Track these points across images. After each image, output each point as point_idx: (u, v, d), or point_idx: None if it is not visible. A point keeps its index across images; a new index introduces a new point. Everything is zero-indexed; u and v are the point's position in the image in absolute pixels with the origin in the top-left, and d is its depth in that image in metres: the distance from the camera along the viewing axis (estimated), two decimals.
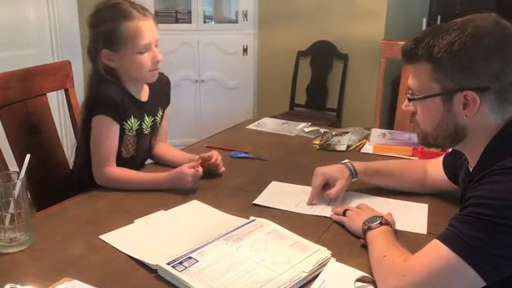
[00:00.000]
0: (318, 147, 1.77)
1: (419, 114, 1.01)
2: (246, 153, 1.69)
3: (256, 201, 1.31)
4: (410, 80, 1.01)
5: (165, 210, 1.25)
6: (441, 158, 1.33)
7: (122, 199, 1.32)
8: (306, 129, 1.96)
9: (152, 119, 1.52)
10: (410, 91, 1.01)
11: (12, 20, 2.82)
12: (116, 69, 1.41)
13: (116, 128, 1.39)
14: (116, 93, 1.38)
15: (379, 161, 1.47)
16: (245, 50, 3.79)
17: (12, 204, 1.02)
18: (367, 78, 3.45)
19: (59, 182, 1.57)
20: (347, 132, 1.86)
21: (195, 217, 1.23)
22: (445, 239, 0.86)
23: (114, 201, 1.31)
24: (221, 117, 3.79)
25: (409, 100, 1.02)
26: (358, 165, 1.36)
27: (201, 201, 1.31)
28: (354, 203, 1.29)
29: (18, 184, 1.02)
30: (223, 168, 1.49)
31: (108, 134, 1.38)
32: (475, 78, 0.91)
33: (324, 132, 1.91)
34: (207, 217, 1.23)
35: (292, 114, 3.54)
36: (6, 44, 2.80)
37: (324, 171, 1.34)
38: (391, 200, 1.34)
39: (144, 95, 1.50)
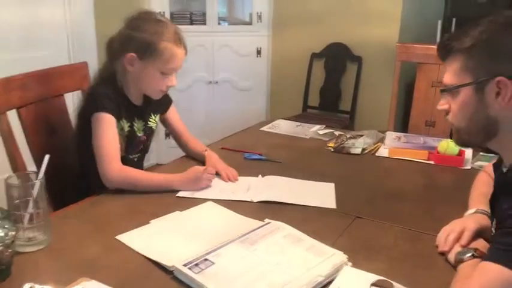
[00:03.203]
0: (332, 150, 1.77)
1: (452, 109, 0.99)
2: (260, 155, 1.69)
3: (179, 194, 1.35)
4: (445, 75, 0.99)
5: (181, 211, 1.25)
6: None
7: (137, 200, 1.32)
8: (320, 132, 1.95)
9: (143, 123, 1.55)
10: (444, 87, 1.00)
11: (29, 21, 2.86)
12: (128, 73, 1.44)
13: (115, 124, 1.41)
14: (113, 94, 1.42)
15: (476, 191, 1.24)
16: (259, 52, 3.79)
17: (31, 204, 1.03)
18: (381, 81, 3.44)
19: (72, 183, 1.58)
20: (362, 135, 1.85)
21: (210, 218, 1.24)
22: (492, 258, 0.85)
23: (129, 202, 1.31)
24: (234, 119, 3.80)
25: (441, 91, 1.01)
26: (483, 205, 1.16)
27: (215, 202, 1.31)
28: (273, 184, 1.43)
29: (37, 184, 1.04)
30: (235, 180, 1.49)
31: (112, 129, 1.39)
32: (507, 65, 0.90)
33: (339, 135, 1.91)
34: (222, 218, 1.23)
35: (305, 116, 3.53)
36: (23, 44, 2.83)
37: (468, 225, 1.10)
38: (303, 180, 1.47)
39: (139, 100, 1.53)
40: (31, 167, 1.49)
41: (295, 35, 3.69)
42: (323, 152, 1.77)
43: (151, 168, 3.52)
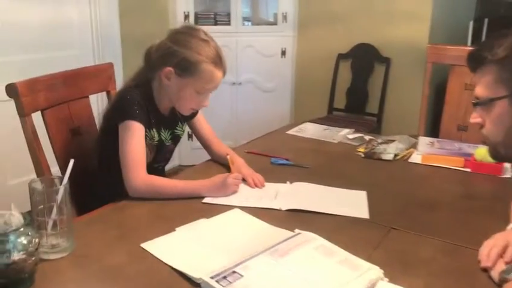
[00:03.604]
0: (362, 155, 1.70)
1: (487, 124, 0.94)
2: (287, 160, 1.64)
3: (205, 200, 1.31)
4: (477, 87, 0.94)
5: (207, 218, 1.21)
6: None
7: (162, 206, 1.28)
8: (350, 136, 1.89)
9: (170, 131, 1.53)
10: (476, 100, 0.95)
11: (54, 21, 2.86)
12: (163, 85, 1.41)
13: (143, 133, 1.38)
14: (144, 102, 1.40)
15: None
16: (283, 53, 3.74)
17: (54, 210, 1.00)
18: (410, 83, 3.35)
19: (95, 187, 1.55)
20: (393, 140, 1.78)
21: (237, 227, 1.19)
22: None
23: (154, 207, 1.28)
24: (258, 120, 3.76)
25: (474, 105, 0.95)
26: None
27: (242, 209, 1.27)
28: (302, 191, 1.39)
29: (61, 190, 1.01)
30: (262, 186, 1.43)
31: (139, 138, 1.36)
32: None
33: (369, 139, 1.84)
34: (250, 227, 1.18)
35: (330, 118, 3.46)
36: (48, 44, 2.84)
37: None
38: (333, 188, 1.41)
39: (167, 110, 1.51)
40: (54, 167, 1.47)
41: (321, 36, 3.63)
42: (353, 157, 1.71)
43: (174, 170, 3.53)
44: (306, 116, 3.41)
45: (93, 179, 1.54)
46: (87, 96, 1.64)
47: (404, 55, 3.34)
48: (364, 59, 3.46)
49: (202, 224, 1.19)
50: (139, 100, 1.38)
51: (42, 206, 1.00)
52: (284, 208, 1.27)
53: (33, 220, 0.99)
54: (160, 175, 1.56)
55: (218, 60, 1.38)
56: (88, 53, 3.06)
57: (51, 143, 1.50)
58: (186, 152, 3.47)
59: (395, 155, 1.68)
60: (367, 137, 1.88)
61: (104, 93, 1.72)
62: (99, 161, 1.52)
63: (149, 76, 1.43)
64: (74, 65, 2.60)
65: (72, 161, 1.04)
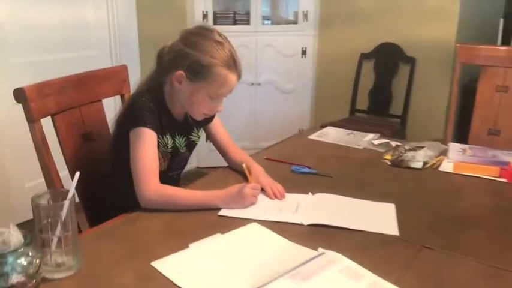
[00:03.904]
0: (389, 163, 1.60)
1: None
2: (309, 167, 1.54)
3: (221, 213, 1.23)
4: None
5: (222, 233, 1.13)
6: None
7: (175, 218, 1.21)
8: (375, 142, 1.79)
9: (185, 138, 1.45)
10: None
11: (71, 22, 2.82)
12: (175, 89, 1.33)
13: (156, 141, 1.31)
14: (156, 107, 1.32)
15: None
16: (304, 52, 3.64)
17: (59, 227, 0.93)
18: (436, 84, 3.21)
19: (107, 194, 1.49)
20: (422, 147, 1.67)
21: (255, 244, 1.10)
22: None
23: (166, 220, 1.20)
24: (277, 122, 3.67)
25: None
26: None
27: (260, 223, 1.18)
28: (325, 203, 1.29)
29: (66, 205, 0.93)
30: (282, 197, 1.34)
31: (151, 146, 1.29)
32: None
33: (396, 146, 1.73)
34: (269, 244, 1.09)
35: (352, 120, 3.35)
36: (65, 45, 2.80)
37: None
38: (359, 200, 1.32)
39: (181, 115, 1.43)
40: (63, 171, 1.41)
41: (343, 35, 3.51)
42: (379, 165, 1.61)
43: (191, 172, 3.46)
44: (327, 118, 3.31)
45: (106, 186, 1.48)
46: (100, 100, 1.58)
47: (430, 55, 3.20)
48: (388, 58, 3.33)
49: (217, 240, 1.11)
50: (150, 105, 1.31)
51: (45, 222, 0.93)
52: (306, 223, 1.18)
53: (36, 237, 0.93)
54: (175, 184, 1.49)
55: (232, 63, 1.30)
56: (105, 54, 3.02)
57: (61, 148, 1.43)
58: (203, 153, 3.40)
59: (425, 163, 1.57)
60: (393, 143, 1.77)
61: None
62: (112, 167, 1.46)
63: (161, 80, 1.35)
64: (91, 65, 2.55)
65: (77, 174, 0.97)
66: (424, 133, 3.24)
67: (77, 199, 1.42)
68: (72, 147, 1.46)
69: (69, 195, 0.95)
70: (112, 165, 1.45)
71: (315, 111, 3.76)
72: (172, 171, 1.46)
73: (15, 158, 2.44)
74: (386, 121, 3.34)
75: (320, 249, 1.03)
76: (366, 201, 1.32)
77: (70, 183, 1.43)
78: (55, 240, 0.94)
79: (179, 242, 1.08)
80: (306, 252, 1.03)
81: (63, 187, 1.37)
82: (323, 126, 3.10)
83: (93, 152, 1.53)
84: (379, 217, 1.23)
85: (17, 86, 1.33)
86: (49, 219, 0.94)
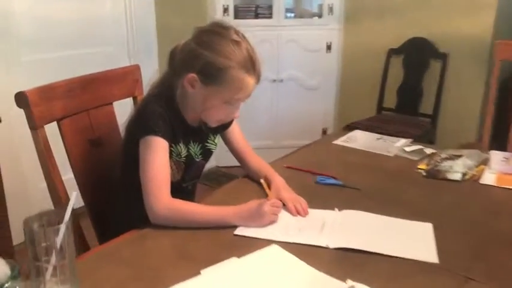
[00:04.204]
0: (424, 174, 1.45)
1: None
2: (335, 179, 1.41)
3: (237, 232, 1.11)
4: None
5: (238, 257, 1.01)
6: None
7: (186, 238, 1.09)
8: (407, 149, 1.64)
9: (200, 145, 1.33)
10: None
11: (86, 16, 2.73)
12: (188, 94, 1.22)
13: (168, 150, 1.20)
14: (168, 113, 1.21)
15: None
16: (329, 47, 3.48)
17: (54, 255, 0.82)
18: (470, 82, 3.02)
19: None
20: (460, 156, 1.51)
21: (275, 270, 0.98)
22: None
23: (176, 240, 1.08)
24: (299, 120, 3.54)
25: None
26: None
27: (281, 245, 1.06)
28: (353, 222, 1.16)
29: (62, 229, 0.83)
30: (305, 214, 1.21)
31: (162, 156, 1.18)
32: None
33: (431, 153, 1.58)
34: (291, 272, 0.97)
35: (380, 119, 3.19)
36: (81, 41, 2.71)
37: None
38: (391, 218, 1.18)
39: (196, 121, 1.30)
40: (68, 173, 1.32)
41: (370, 28, 3.34)
42: (412, 176, 1.46)
43: (212, 170, 3.36)
44: (352, 117, 3.16)
45: (114, 195, 1.38)
46: (111, 103, 1.47)
47: (463, 50, 3.01)
48: (418, 54, 3.15)
49: (232, 265, 0.99)
50: (161, 111, 1.19)
51: (39, 248, 0.83)
52: (332, 246, 1.05)
53: (30, 264, 0.83)
54: (190, 195, 1.39)
55: (250, 65, 1.17)
56: (122, 50, 2.93)
57: (67, 154, 1.34)
58: (223, 152, 3.27)
59: (464, 175, 1.42)
60: (428, 150, 1.62)
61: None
62: (121, 176, 1.35)
63: (173, 82, 1.23)
64: (107, 62, 2.46)
65: (74, 194, 0.86)
66: (455, 134, 3.06)
67: (81, 203, 1.34)
68: (79, 153, 1.36)
69: (66, 219, 0.84)
70: (121, 175, 1.34)
71: (339, 110, 3.61)
72: (187, 181, 1.35)
73: (30, 158, 2.36)
74: (416, 120, 3.16)
75: (349, 282, 0.90)
76: (399, 219, 1.18)
77: (75, 188, 1.34)
78: (50, 269, 0.84)
79: (190, 267, 0.97)
80: (334, 284, 0.90)
81: (68, 198, 1.27)
82: (348, 126, 2.97)
83: (103, 158, 1.43)
84: (414, 240, 1.09)
85: (30, 85, 1.24)
86: (46, 243, 0.84)
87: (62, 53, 2.61)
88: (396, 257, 1.02)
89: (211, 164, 3.39)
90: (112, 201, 1.38)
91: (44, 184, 1.31)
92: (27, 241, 0.83)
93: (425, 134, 2.99)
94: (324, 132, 3.62)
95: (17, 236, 1.92)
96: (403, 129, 2.86)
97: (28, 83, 1.31)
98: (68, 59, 2.60)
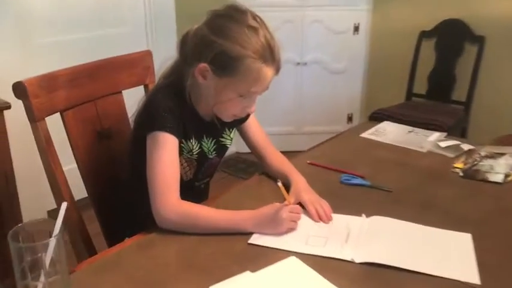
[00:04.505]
0: (461, 174, 1.31)
1: None
2: (362, 178, 1.28)
3: (252, 240, 1.00)
4: None
5: (252, 271, 0.90)
6: None
7: (194, 246, 0.99)
8: (442, 144, 1.49)
9: (214, 141, 1.21)
10: None
11: None
12: (199, 85, 1.10)
13: (177, 147, 1.09)
14: (178, 106, 1.10)
15: None
16: (356, 29, 3.30)
17: (42, 274, 0.73)
18: (508, 67, 2.82)
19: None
20: (503, 154, 1.36)
21: (293, 286, 0.87)
22: None
23: (183, 250, 0.98)
24: (324, 105, 3.39)
25: None
26: None
27: (300, 257, 0.94)
28: (382, 231, 1.04)
29: (52, 244, 0.73)
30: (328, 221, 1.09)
31: (171, 154, 1.07)
32: None
33: (468, 150, 1.44)
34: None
35: (409, 105, 3.02)
36: (97, 22, 2.61)
37: None
38: (425, 227, 1.06)
39: (209, 115, 1.18)
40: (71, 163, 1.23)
41: (401, 10, 3.15)
42: (448, 175, 1.32)
43: (232, 157, 3.25)
44: (380, 103, 3.00)
45: (123, 192, 1.28)
46: (120, 92, 1.37)
47: (501, 33, 2.80)
48: (452, 37, 2.95)
49: (246, 281, 0.88)
50: (171, 104, 1.08)
51: (27, 264, 0.73)
52: (358, 260, 0.94)
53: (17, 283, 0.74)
54: (203, 195, 1.28)
55: (268, 54, 1.04)
56: (140, 31, 2.81)
57: (72, 148, 1.24)
58: None
59: (506, 176, 1.28)
60: (465, 146, 1.47)
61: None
62: (131, 171, 1.26)
63: (184, 72, 1.11)
64: (124, 44, 2.36)
65: (64, 204, 0.76)
66: (490, 123, 2.87)
67: (84, 194, 1.25)
68: (85, 146, 1.27)
69: (55, 232, 0.74)
70: (130, 171, 1.24)
71: (366, 95, 3.44)
72: (200, 180, 1.24)
73: None
74: (448, 108, 2.98)
75: None
76: (434, 229, 1.05)
77: (79, 180, 1.25)
78: (39, 287, 0.75)
79: (197, 281, 0.88)
80: None
81: (71, 196, 1.19)
82: (375, 113, 2.81)
83: (111, 151, 1.34)
84: (452, 255, 0.97)
85: (45, 69, 1.16)
86: (35, 258, 0.75)
87: (77, 35, 2.52)
88: (431, 276, 0.90)
89: (231, 150, 3.29)
90: (120, 196, 1.28)
91: (66, 167, 1.24)
92: (13, 257, 0.74)
93: (458, 123, 2.81)
94: (349, 118, 3.46)
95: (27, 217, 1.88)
96: (433, 118, 2.69)
97: (43, 67, 1.22)
98: (83, 42, 2.51)
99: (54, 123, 1.20)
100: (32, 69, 1.21)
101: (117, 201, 1.29)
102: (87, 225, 1.24)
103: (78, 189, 1.26)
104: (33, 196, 2.19)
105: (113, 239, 1.28)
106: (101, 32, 2.62)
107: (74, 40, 2.49)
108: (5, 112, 1.83)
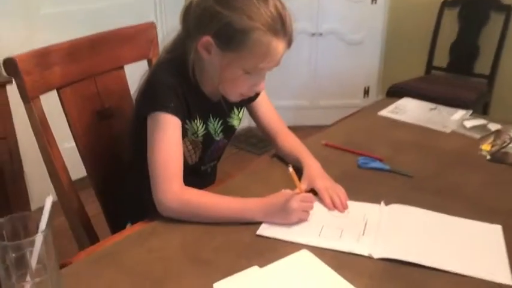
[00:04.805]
0: (488, 157, 1.21)
1: None
2: (381, 160, 1.19)
3: (260, 231, 0.92)
4: None
5: (260, 267, 0.83)
6: None
7: (199, 238, 0.92)
8: (467, 124, 1.39)
9: (221, 121, 1.13)
10: None
11: None
12: (203, 61, 1.01)
13: (180, 129, 1.00)
14: (181, 84, 1.01)
15: None
16: None
17: (29, 274, 0.66)
18: None
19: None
20: None
21: (305, 283, 0.80)
22: None
23: (188, 241, 0.91)
24: (340, 78, 3.27)
25: None
26: None
27: (312, 251, 0.87)
28: (403, 222, 0.95)
29: (38, 241, 0.66)
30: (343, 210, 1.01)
31: (174, 137, 0.99)
32: None
33: (496, 131, 1.33)
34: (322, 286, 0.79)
35: (429, 79, 2.89)
36: None
37: None
38: (450, 217, 0.97)
39: (215, 94, 1.09)
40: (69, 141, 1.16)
41: None
42: (474, 159, 1.22)
43: (244, 131, 3.17)
44: (398, 76, 2.87)
45: (126, 174, 1.22)
46: (122, 67, 1.28)
47: None
48: (477, 6, 2.79)
49: (252, 277, 0.81)
50: (173, 82, 0.99)
51: (11, 263, 0.67)
52: (376, 256, 0.86)
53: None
54: (209, 179, 1.21)
55: (279, 26, 0.94)
56: (148, 1, 2.70)
57: (70, 127, 1.17)
58: None
59: None
60: (492, 126, 1.36)
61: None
62: (133, 151, 1.18)
63: (187, 45, 1.02)
64: (131, 15, 2.25)
65: (49, 199, 0.68)
66: None
67: (83, 172, 1.19)
68: (84, 127, 1.19)
69: (42, 227, 0.67)
70: (132, 153, 1.17)
71: (384, 68, 3.31)
72: (206, 164, 1.16)
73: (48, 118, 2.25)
74: (470, 81, 2.84)
75: None
76: (460, 219, 0.97)
77: (78, 159, 1.18)
78: (27, 287, 0.68)
79: (201, 277, 0.81)
80: None
81: (70, 181, 1.12)
82: (393, 87, 2.69)
83: (112, 131, 1.26)
84: (481, 250, 0.88)
85: (50, 41, 1.09)
86: (24, 251, 0.68)
87: (84, 6, 2.42)
88: (459, 274, 0.81)
89: (243, 123, 3.21)
90: (122, 179, 1.22)
91: (67, 144, 1.19)
92: None
93: (480, 98, 2.68)
94: (366, 92, 3.34)
95: (36, 203, 1.83)
96: (454, 92, 2.57)
97: (48, 38, 1.15)
98: (89, 12, 2.42)
99: (53, 96, 1.13)
100: (37, 41, 1.13)
101: (120, 184, 1.22)
102: (88, 204, 1.18)
103: (80, 167, 1.19)
104: (42, 176, 2.15)
105: (115, 221, 1.23)
106: (107, 2, 2.51)
107: (80, 10, 2.40)
108: (8, 87, 1.76)
